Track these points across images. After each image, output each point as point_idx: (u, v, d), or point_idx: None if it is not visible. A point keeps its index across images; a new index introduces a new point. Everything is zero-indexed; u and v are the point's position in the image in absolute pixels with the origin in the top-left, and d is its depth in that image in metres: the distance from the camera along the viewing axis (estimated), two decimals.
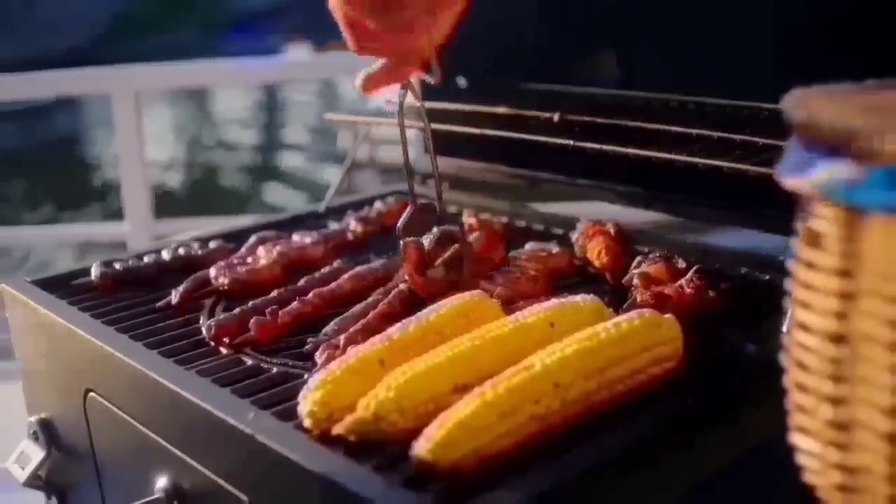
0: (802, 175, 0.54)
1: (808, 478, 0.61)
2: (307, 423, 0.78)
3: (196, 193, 9.01)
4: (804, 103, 0.55)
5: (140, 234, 2.38)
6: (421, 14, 0.96)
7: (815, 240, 0.56)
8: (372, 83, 1.04)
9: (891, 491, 0.54)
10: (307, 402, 0.78)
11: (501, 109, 1.34)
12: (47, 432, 1.17)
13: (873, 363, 0.53)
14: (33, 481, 1.18)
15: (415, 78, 1.08)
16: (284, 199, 8.62)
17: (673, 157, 1.05)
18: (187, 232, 1.57)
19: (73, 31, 14.44)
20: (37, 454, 1.17)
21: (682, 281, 0.99)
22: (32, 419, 1.18)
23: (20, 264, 6.36)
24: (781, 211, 1.09)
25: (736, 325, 0.95)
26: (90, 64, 2.71)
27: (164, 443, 0.92)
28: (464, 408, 0.72)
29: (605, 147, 1.11)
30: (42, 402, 1.18)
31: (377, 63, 1.03)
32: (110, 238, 2.83)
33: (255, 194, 9.16)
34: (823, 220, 0.55)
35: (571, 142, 1.14)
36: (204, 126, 12.41)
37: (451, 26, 1.00)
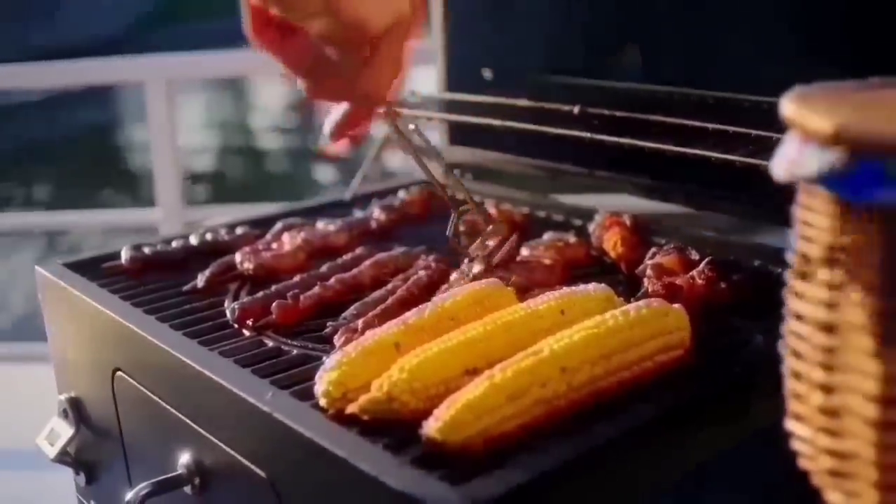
0: (794, 168, 0.56)
1: (803, 463, 0.63)
2: (323, 402, 0.81)
3: (236, 181, 9.05)
4: (800, 99, 0.57)
5: (171, 220, 2.42)
6: (380, 50, 0.91)
7: (807, 231, 0.58)
8: (338, 131, 0.99)
9: (878, 476, 0.56)
10: (323, 382, 0.81)
11: (523, 102, 1.36)
12: (76, 410, 1.21)
13: (861, 352, 0.55)
14: (62, 457, 1.22)
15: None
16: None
17: (687, 150, 1.07)
18: (216, 218, 1.60)
19: (107, 19, 14.55)
20: (66, 431, 1.21)
21: (694, 272, 1.01)
22: (62, 397, 1.22)
23: (50, 249, 6.44)
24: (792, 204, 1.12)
25: (746, 316, 0.96)
26: (125, 52, 2.76)
27: (187, 420, 0.95)
28: (473, 390, 0.74)
29: (622, 140, 1.13)
30: (71, 381, 1.22)
31: (339, 109, 0.98)
32: (140, 224, 2.88)
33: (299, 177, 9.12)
34: (815, 212, 0.57)
35: (589, 134, 1.16)
36: (244, 114, 12.48)
37: (407, 59, 0.95)
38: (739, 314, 0.98)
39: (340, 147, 1.01)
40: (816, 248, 0.57)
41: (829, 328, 0.57)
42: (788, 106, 0.57)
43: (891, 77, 0.66)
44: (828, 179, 0.53)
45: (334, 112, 0.98)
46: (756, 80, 1.23)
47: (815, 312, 0.57)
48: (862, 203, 0.52)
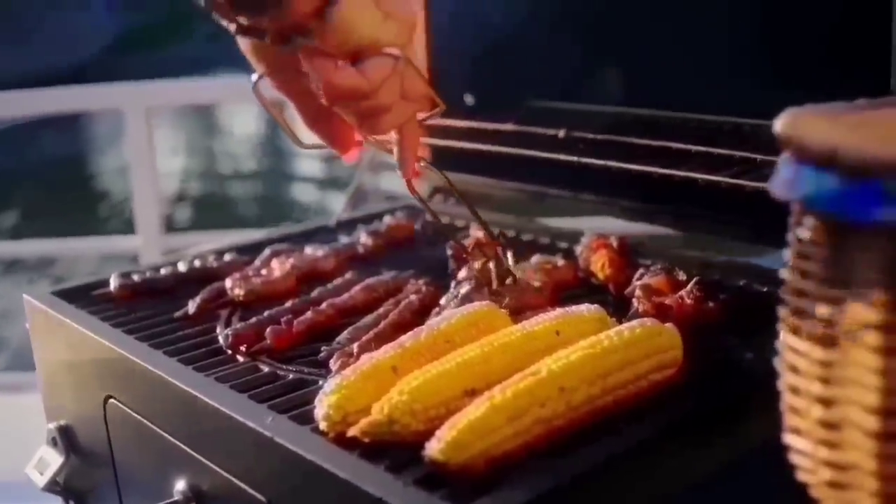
0: (793, 189, 0.58)
1: (801, 476, 0.64)
2: (323, 425, 0.82)
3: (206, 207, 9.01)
4: (794, 121, 0.59)
5: (152, 247, 2.42)
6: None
7: (805, 249, 0.60)
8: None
9: (878, 486, 0.58)
10: (323, 405, 0.82)
11: (509, 126, 1.38)
12: (66, 438, 1.20)
13: (861, 366, 0.56)
14: (52, 486, 1.21)
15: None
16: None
17: (674, 172, 1.08)
18: (199, 245, 1.60)
19: (80, 46, 14.48)
20: (55, 460, 1.21)
21: (683, 292, 1.03)
22: (51, 426, 1.22)
23: (36, 277, 6.37)
24: (779, 224, 1.14)
25: (734, 334, 0.98)
26: (99, 79, 2.75)
27: (183, 446, 0.95)
28: (474, 411, 0.75)
29: (609, 163, 1.15)
30: (61, 409, 1.22)
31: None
32: (120, 251, 2.87)
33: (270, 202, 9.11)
34: (813, 231, 0.58)
35: (576, 158, 1.18)
36: (216, 139, 12.44)
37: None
38: (727, 332, 0.99)
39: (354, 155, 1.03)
40: (814, 266, 0.58)
41: (828, 343, 0.58)
42: (783, 127, 0.59)
43: (875, 98, 0.68)
44: (826, 200, 0.55)
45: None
46: (735, 102, 1.25)
47: (814, 328, 0.59)
48: (862, 222, 0.53)
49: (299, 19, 0.83)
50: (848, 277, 0.56)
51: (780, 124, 0.60)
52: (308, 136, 1.03)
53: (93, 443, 1.15)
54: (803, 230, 0.59)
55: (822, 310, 0.58)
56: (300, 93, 0.95)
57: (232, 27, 0.87)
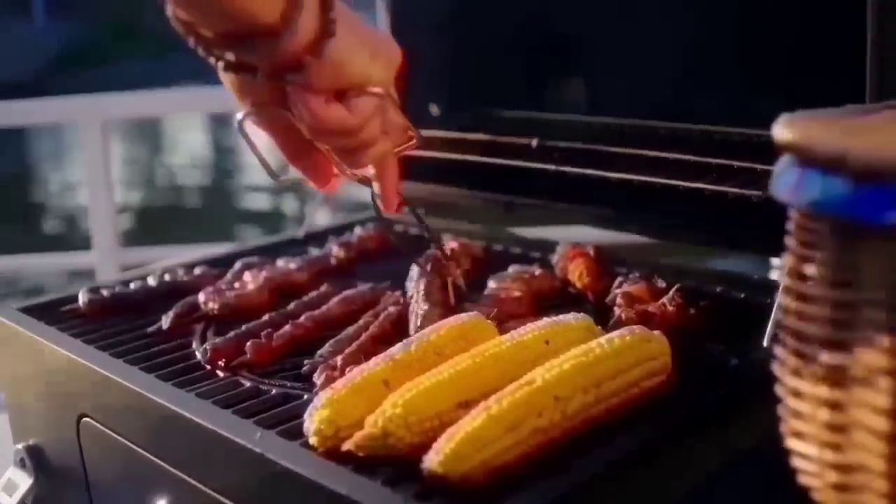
0: (799, 193, 0.58)
1: (804, 480, 0.64)
2: (314, 440, 0.80)
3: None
4: (797, 126, 0.59)
5: (108, 262, 2.38)
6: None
7: (807, 253, 0.60)
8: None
9: (888, 487, 0.58)
10: (314, 420, 0.80)
11: (480, 136, 1.38)
12: (35, 459, 1.17)
13: (871, 368, 0.57)
14: None
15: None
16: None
17: (654, 180, 1.09)
18: (158, 261, 1.58)
19: (16, 63, 14.19)
20: (24, 481, 1.18)
21: (665, 299, 1.03)
22: (19, 446, 1.19)
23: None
24: (754, 231, 1.15)
25: (716, 340, 0.99)
26: (42, 95, 2.70)
27: (164, 465, 0.93)
28: (471, 422, 0.75)
29: (586, 171, 1.15)
30: (30, 429, 1.18)
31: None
32: (75, 267, 2.82)
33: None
34: (817, 235, 0.59)
35: (553, 166, 1.18)
36: (161, 153, 12.30)
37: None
38: (709, 339, 1.00)
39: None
40: (820, 270, 0.59)
41: (836, 346, 0.58)
42: (786, 133, 0.59)
43: (864, 104, 0.69)
44: (836, 204, 0.55)
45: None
46: (700, 110, 1.27)
47: (821, 332, 0.59)
48: (872, 225, 0.53)
49: (293, 56, 0.84)
50: (856, 280, 0.57)
51: (781, 129, 0.60)
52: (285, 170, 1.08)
53: (65, 463, 1.12)
54: (806, 232, 0.60)
55: (828, 313, 0.59)
56: (283, 129, 0.96)
57: (220, 64, 0.88)
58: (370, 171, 1.05)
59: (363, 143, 0.95)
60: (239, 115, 0.95)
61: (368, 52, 0.90)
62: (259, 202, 8.94)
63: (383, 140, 0.98)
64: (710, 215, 1.18)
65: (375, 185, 1.06)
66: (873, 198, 0.53)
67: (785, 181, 0.59)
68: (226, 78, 0.93)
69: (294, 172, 1.05)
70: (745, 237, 1.19)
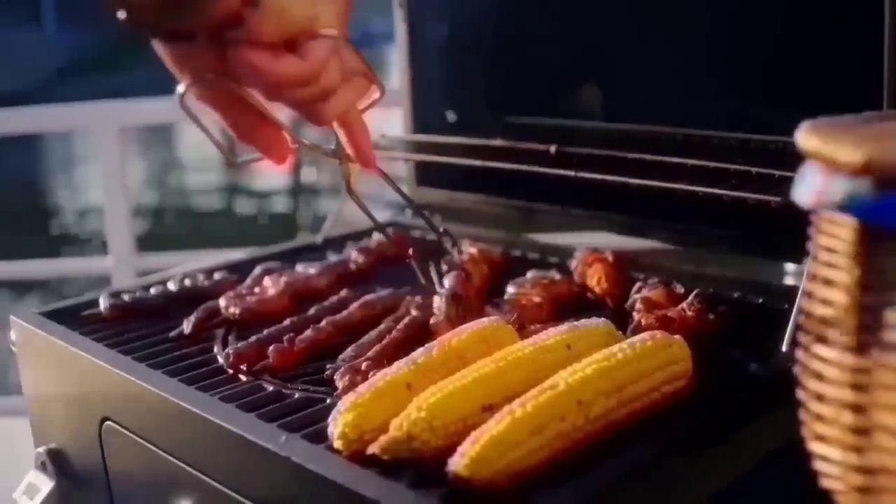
0: (822, 198, 0.58)
1: (826, 483, 0.65)
2: (338, 444, 0.81)
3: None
4: (821, 132, 0.60)
5: (124, 268, 2.39)
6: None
7: (831, 259, 0.61)
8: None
9: None
10: (338, 423, 0.81)
11: (498, 142, 1.39)
12: (56, 462, 1.18)
13: (893, 371, 0.57)
14: None
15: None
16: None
17: (673, 186, 1.10)
18: (175, 266, 1.59)
19: (26, 72, 14.21)
20: (45, 484, 1.19)
21: (684, 304, 1.04)
22: (41, 450, 1.20)
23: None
24: (771, 237, 1.16)
25: (735, 345, 0.99)
26: (45, 102, 2.69)
27: (187, 468, 0.94)
28: (495, 425, 0.75)
29: (605, 177, 1.16)
30: (51, 433, 1.19)
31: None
32: (91, 272, 2.83)
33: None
34: (841, 239, 0.59)
35: (572, 172, 1.18)
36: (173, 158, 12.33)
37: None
38: (728, 344, 1.00)
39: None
40: (844, 275, 0.59)
41: (859, 350, 0.59)
42: (810, 139, 0.60)
43: (880, 111, 0.70)
44: (861, 209, 0.55)
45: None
46: (719, 117, 1.27)
47: (844, 335, 0.60)
48: (894, 230, 0.54)
49: (229, 11, 0.79)
50: (879, 283, 0.57)
51: (804, 136, 0.61)
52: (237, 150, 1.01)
53: (86, 466, 1.13)
54: (829, 237, 0.60)
55: (852, 318, 0.59)
56: (228, 103, 0.89)
57: (157, 35, 0.83)
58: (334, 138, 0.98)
59: (323, 92, 0.87)
60: (180, 89, 0.86)
61: None
62: (277, 205, 8.98)
63: (345, 89, 0.90)
64: (728, 221, 1.19)
65: (346, 145, 0.98)
66: (889, 202, 0.54)
67: (808, 187, 0.60)
68: (164, 52, 0.86)
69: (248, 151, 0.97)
70: (763, 243, 1.20)
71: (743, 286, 1.18)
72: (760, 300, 1.13)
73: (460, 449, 0.74)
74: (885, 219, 0.55)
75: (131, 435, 1.02)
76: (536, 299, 1.11)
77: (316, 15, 0.84)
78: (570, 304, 1.17)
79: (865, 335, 0.59)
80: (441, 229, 1.20)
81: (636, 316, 1.04)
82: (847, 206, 0.57)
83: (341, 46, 0.87)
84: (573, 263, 1.24)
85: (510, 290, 1.16)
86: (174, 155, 12.52)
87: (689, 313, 1.02)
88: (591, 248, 1.26)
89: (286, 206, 9.11)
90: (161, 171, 11.50)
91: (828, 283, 0.61)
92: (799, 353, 0.65)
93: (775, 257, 1.25)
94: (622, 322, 1.06)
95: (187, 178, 11.19)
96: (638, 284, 1.14)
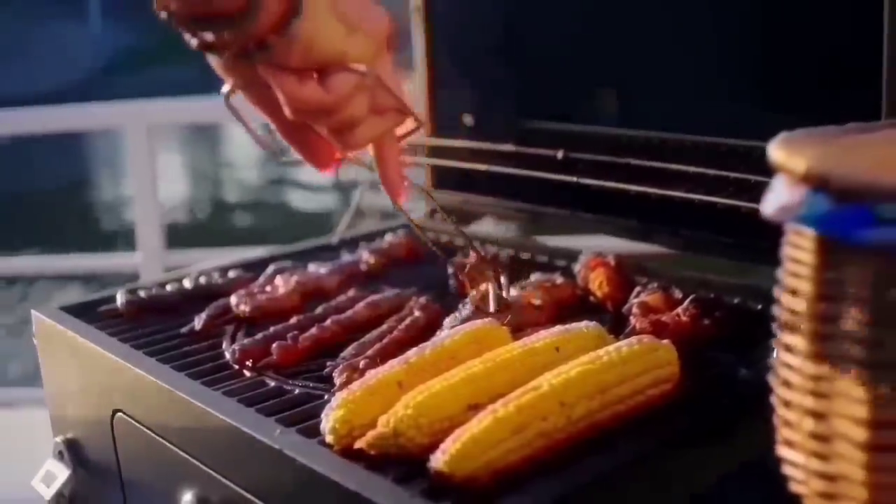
0: (785, 210, 0.60)
1: (794, 487, 0.67)
2: (329, 438, 0.84)
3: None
4: (788, 145, 0.62)
5: (152, 264, 2.44)
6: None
7: (797, 269, 0.62)
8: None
9: (867, 496, 0.60)
10: (330, 419, 0.84)
11: (508, 147, 1.41)
12: (73, 452, 1.22)
13: (850, 380, 0.59)
14: (58, 499, 1.23)
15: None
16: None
17: (673, 193, 1.12)
18: (200, 263, 1.63)
19: (71, 67, 14.42)
20: (62, 473, 1.23)
21: (679, 309, 1.05)
22: (58, 439, 1.24)
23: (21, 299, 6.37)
24: (772, 244, 1.17)
25: (729, 350, 1.01)
26: (94, 98, 2.76)
27: (191, 459, 0.98)
28: (477, 424, 0.78)
29: (607, 183, 1.18)
30: (68, 423, 1.24)
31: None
32: (120, 269, 2.89)
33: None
34: (804, 251, 0.61)
35: (576, 178, 1.20)
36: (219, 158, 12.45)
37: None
38: (723, 349, 1.02)
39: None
40: (806, 285, 0.61)
41: (819, 358, 0.61)
42: (777, 152, 0.62)
43: (866, 122, 0.71)
44: (817, 221, 0.57)
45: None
46: (728, 123, 1.28)
47: (805, 344, 0.62)
48: (852, 243, 0.56)
49: (260, 34, 0.81)
50: (838, 294, 0.59)
51: (773, 148, 0.63)
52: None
53: (99, 456, 1.17)
54: (794, 249, 0.62)
55: (813, 326, 0.61)
56: (272, 106, 0.90)
57: (194, 42, 0.85)
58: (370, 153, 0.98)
59: (346, 123, 0.88)
60: (224, 89, 0.89)
61: (345, 27, 0.84)
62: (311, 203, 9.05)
63: (373, 120, 0.90)
64: (731, 228, 1.20)
65: (377, 169, 0.98)
66: (853, 216, 0.55)
67: (774, 198, 0.62)
68: (209, 55, 0.88)
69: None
70: (765, 249, 1.20)
71: (745, 292, 1.19)
72: (759, 306, 1.15)
73: (442, 446, 0.77)
74: (841, 231, 0.57)
75: (140, 427, 1.06)
76: (538, 302, 1.13)
77: (345, 51, 0.85)
78: (572, 307, 1.18)
79: (824, 344, 0.60)
80: (488, 256, 1.21)
81: (632, 320, 1.06)
82: (806, 218, 0.59)
83: (372, 81, 0.87)
84: (577, 267, 1.26)
85: (513, 292, 1.18)
86: (226, 150, 12.64)
87: (684, 318, 1.04)
88: (594, 252, 1.27)
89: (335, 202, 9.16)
90: (213, 168, 11.63)
91: (793, 292, 0.63)
92: (770, 360, 0.67)
93: (777, 264, 1.25)
94: (622, 326, 1.08)
95: (241, 174, 11.30)
96: (637, 289, 1.15)
